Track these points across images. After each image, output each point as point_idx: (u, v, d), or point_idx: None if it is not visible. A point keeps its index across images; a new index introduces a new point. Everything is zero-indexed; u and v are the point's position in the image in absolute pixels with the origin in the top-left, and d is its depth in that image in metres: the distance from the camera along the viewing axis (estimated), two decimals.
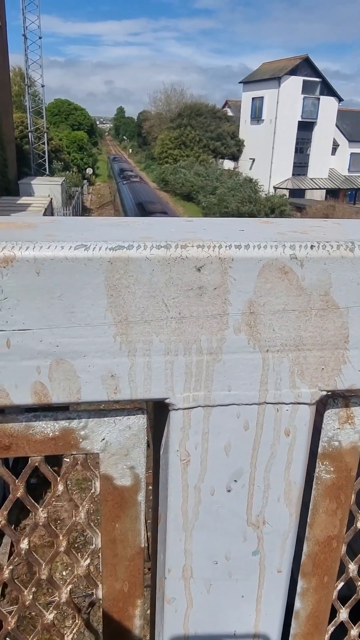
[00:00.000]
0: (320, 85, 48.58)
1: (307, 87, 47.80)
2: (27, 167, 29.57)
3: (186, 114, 54.45)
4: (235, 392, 0.71)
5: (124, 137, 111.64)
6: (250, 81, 51.29)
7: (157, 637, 0.89)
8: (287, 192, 45.80)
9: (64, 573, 6.38)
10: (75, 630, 0.84)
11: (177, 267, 0.64)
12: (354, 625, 0.97)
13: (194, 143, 53.06)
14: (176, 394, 0.69)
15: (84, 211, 34.03)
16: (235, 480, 0.77)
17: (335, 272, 0.67)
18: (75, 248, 0.61)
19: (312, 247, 0.67)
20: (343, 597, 0.94)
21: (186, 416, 0.71)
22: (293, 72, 46.96)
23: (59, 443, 0.72)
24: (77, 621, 0.84)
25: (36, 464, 0.73)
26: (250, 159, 52.20)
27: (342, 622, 0.95)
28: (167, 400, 0.70)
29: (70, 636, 0.83)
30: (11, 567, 0.77)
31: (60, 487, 0.77)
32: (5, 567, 0.77)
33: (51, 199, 22.42)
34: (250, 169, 50.96)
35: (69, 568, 6.46)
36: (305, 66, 47.85)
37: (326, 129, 49.71)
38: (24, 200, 20.84)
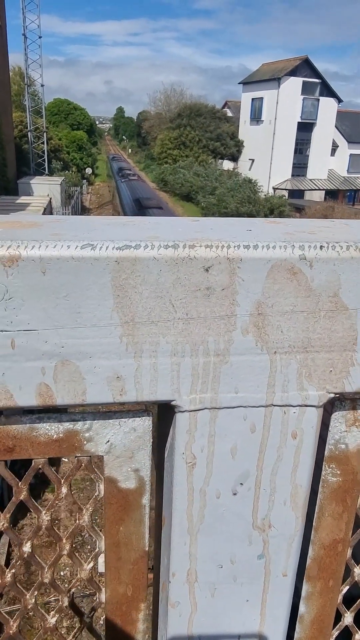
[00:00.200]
0: (319, 86, 48.65)
1: (306, 88, 47.86)
2: (27, 167, 29.55)
3: (186, 114, 54.47)
4: (242, 394, 0.70)
5: (124, 137, 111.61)
6: (249, 82, 51.34)
7: None
8: (286, 193, 45.86)
9: (62, 573, 6.37)
10: (77, 634, 0.83)
11: (184, 267, 0.63)
12: (359, 630, 0.96)
13: (193, 143, 53.06)
14: (182, 396, 0.68)
15: (83, 211, 34.04)
16: (241, 484, 0.76)
17: (345, 273, 0.66)
18: (81, 247, 0.60)
19: (321, 247, 0.66)
20: (348, 601, 0.93)
21: (192, 418, 0.70)
22: (293, 73, 47.03)
23: (63, 445, 0.71)
24: (79, 625, 0.84)
25: (39, 467, 0.72)
26: (249, 159, 52.24)
27: (347, 626, 0.94)
28: (173, 402, 0.69)
29: None
30: (13, 570, 0.76)
31: (64, 490, 0.76)
32: (8, 570, 0.76)
33: (50, 198, 22.43)
34: (250, 169, 50.98)
35: (67, 568, 6.45)
36: (304, 67, 47.92)
37: (325, 130, 49.75)
38: (23, 199, 20.83)
